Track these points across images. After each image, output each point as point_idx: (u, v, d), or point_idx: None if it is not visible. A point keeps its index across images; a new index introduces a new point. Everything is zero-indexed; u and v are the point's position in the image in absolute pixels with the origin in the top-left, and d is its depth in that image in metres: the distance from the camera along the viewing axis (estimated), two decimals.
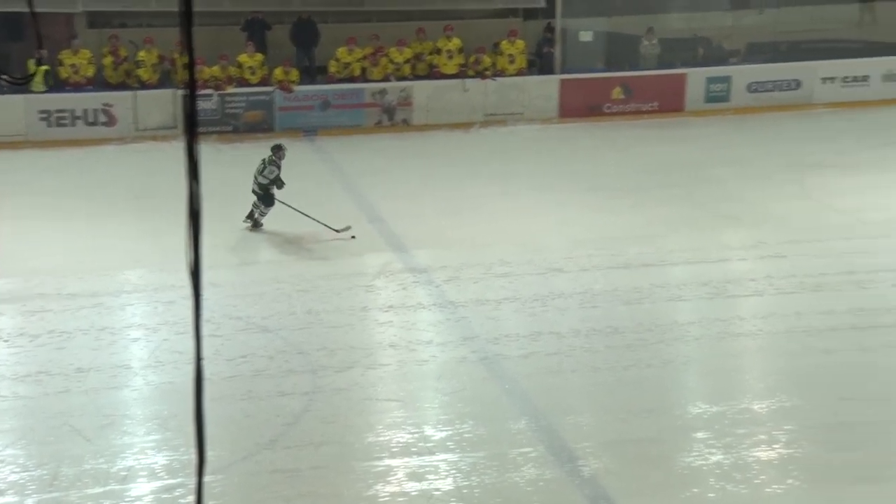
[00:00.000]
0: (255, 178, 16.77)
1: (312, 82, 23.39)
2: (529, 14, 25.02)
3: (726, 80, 23.88)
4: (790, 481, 10.38)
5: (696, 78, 23.84)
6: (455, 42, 23.71)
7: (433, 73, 23.63)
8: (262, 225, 16.92)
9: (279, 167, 16.71)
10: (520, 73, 23.82)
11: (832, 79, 23.95)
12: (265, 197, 16.76)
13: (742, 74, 23.97)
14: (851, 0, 26.42)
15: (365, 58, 23.35)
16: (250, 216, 16.95)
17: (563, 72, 24.08)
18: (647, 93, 23.71)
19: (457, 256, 15.88)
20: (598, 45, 25.04)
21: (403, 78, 23.39)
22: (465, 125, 23.20)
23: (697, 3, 25.85)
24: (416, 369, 12.63)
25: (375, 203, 18.33)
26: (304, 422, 11.41)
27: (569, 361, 12.73)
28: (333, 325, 13.64)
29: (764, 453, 10.88)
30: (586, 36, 24.82)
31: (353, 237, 16.46)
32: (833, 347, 12.98)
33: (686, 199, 18.35)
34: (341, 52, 23.32)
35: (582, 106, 23.51)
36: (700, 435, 11.17)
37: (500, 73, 23.63)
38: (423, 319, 13.92)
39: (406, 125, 23.16)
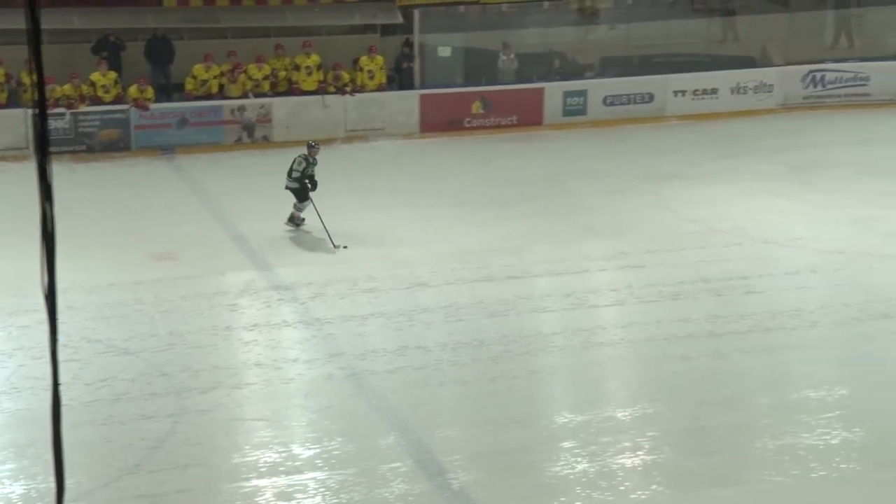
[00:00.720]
0: (289, 174, 17.31)
1: (169, 100, 22.98)
2: (387, 30, 25.07)
3: (583, 93, 24.31)
4: (654, 487, 10.58)
5: (554, 92, 24.20)
6: (314, 58, 23.59)
7: (293, 90, 23.47)
8: (303, 220, 17.43)
9: (309, 162, 17.28)
10: (380, 88, 23.84)
11: (683, 92, 24.59)
12: (300, 191, 17.25)
13: (598, 88, 24.43)
14: (701, 16, 27.18)
15: (223, 74, 23.06)
16: (291, 219, 17.45)
17: (422, 87, 24.19)
18: (507, 107, 23.98)
19: (322, 273, 15.78)
20: (457, 61, 25.23)
21: (262, 94, 23.17)
22: (326, 141, 23.07)
23: (551, 19, 26.26)
24: (283, 388, 12.49)
25: (237, 221, 18.09)
26: (169, 445, 11.17)
27: (436, 375, 12.76)
28: (197, 346, 13.40)
29: (628, 460, 11.07)
30: (445, 51, 24.99)
31: (344, 247, 16.75)
32: (691, 354, 13.30)
33: (547, 211, 18.59)
34: (198, 68, 22.98)
35: (442, 121, 23.65)
36: (566, 444, 11.31)
37: (360, 89, 23.61)
38: (289, 337, 13.79)
39: (266, 142, 22.94)
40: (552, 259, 16.44)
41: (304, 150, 17.53)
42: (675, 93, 24.62)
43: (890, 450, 11.27)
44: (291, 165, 17.40)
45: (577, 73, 25.52)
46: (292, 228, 17.43)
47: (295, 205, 17.43)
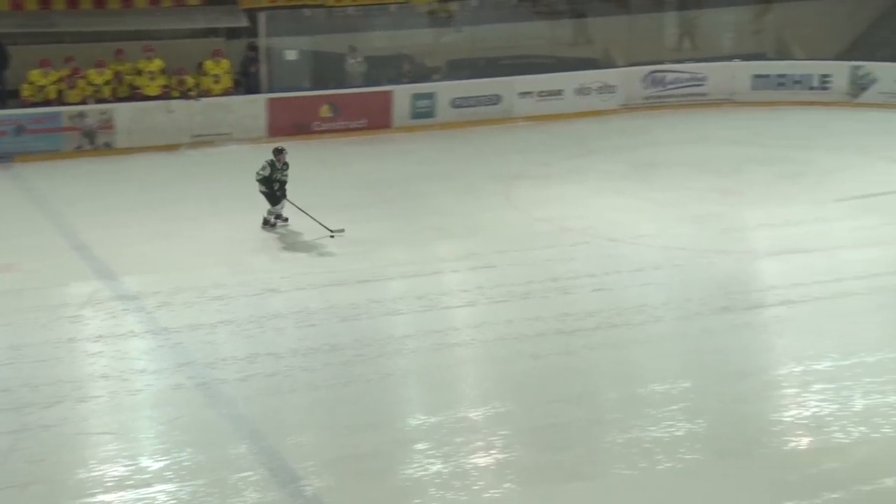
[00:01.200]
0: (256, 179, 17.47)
1: (4, 107, 22.25)
2: (232, 33, 24.77)
3: (431, 96, 24.45)
4: (507, 485, 10.70)
5: (402, 95, 24.28)
6: (157, 63, 23.16)
7: (135, 95, 22.98)
8: (275, 225, 17.58)
9: (276, 167, 17.37)
10: (226, 92, 23.53)
11: (529, 93, 24.96)
12: (269, 196, 17.37)
13: (446, 91, 24.61)
14: (544, 18, 27.61)
15: (61, 80, 22.44)
16: (265, 222, 17.60)
17: (269, 91, 23.98)
18: (355, 110, 23.96)
19: (168, 281, 15.49)
20: (304, 64, 25.10)
21: (103, 100, 22.62)
22: (172, 147, 22.70)
23: (399, 22, 26.34)
24: (130, 399, 12.22)
25: (80, 230, 17.62)
26: (10, 463, 10.82)
27: (288, 382, 12.65)
28: (39, 360, 13.00)
29: (482, 459, 11.17)
30: (291, 55, 24.82)
31: (338, 232, 17.11)
32: (541, 352, 13.50)
33: (398, 214, 18.63)
34: (34, 74, 22.32)
35: (290, 125, 23.47)
36: (420, 446, 11.34)
37: (206, 94, 23.26)
38: (136, 348, 13.49)
39: (109, 149, 22.40)
40: (403, 261, 16.48)
41: (270, 156, 17.53)
42: (522, 94, 24.97)
43: (731, 440, 11.63)
44: (259, 172, 17.47)
45: (425, 75, 25.65)
46: (270, 229, 17.61)
47: (268, 210, 17.55)
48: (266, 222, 17.61)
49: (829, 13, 28.39)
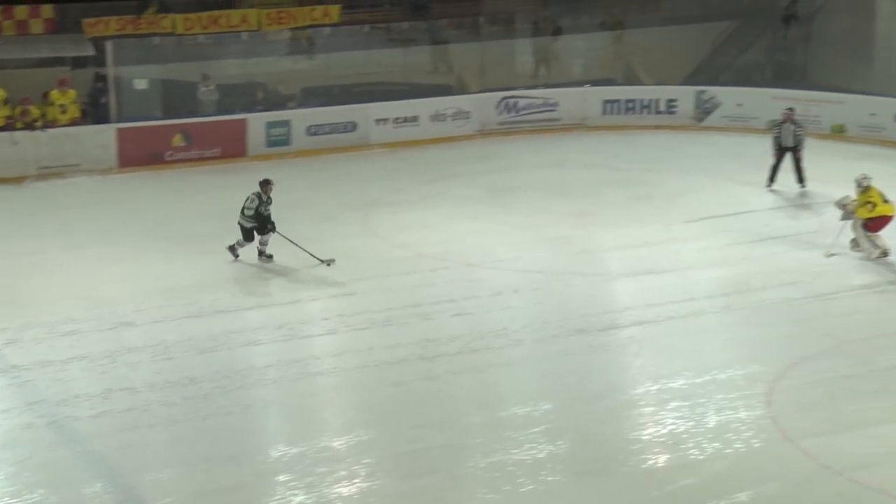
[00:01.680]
0: (242, 212, 17.08)
1: None
2: (78, 62, 24.23)
3: (286, 124, 24.32)
4: None
5: (257, 123, 24.09)
6: None
7: None
8: (270, 257, 17.24)
9: (262, 201, 17.05)
10: (73, 123, 22.98)
11: (385, 120, 25.04)
12: (258, 228, 17.06)
13: (301, 118, 24.50)
14: (397, 45, 27.78)
15: None
16: (260, 254, 17.29)
17: (119, 120, 23.50)
18: (209, 139, 23.66)
19: (17, 317, 15.01)
20: (155, 93, 24.69)
21: None
22: (17, 179, 22.05)
23: (251, 50, 26.16)
24: None
25: None
26: None
27: (145, 417, 12.38)
28: None
29: (345, 489, 11.11)
30: (141, 84, 24.39)
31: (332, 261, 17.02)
32: (403, 378, 13.51)
33: (253, 243, 18.42)
34: None
35: (142, 155, 23.05)
36: (282, 478, 11.22)
37: (52, 124, 22.68)
38: None
39: None
40: (261, 291, 16.32)
41: (257, 188, 17.24)
42: (378, 121, 25.04)
43: (591, 460, 11.83)
44: (244, 203, 17.12)
45: (279, 103, 25.51)
46: (267, 259, 17.32)
47: (260, 240, 17.25)
48: (261, 253, 17.30)
49: (674, 40, 29.28)
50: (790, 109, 21.44)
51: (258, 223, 17.10)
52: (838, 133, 24.93)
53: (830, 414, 12.55)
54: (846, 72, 28.18)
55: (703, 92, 26.43)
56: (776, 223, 19.33)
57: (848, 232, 17.49)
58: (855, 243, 17.44)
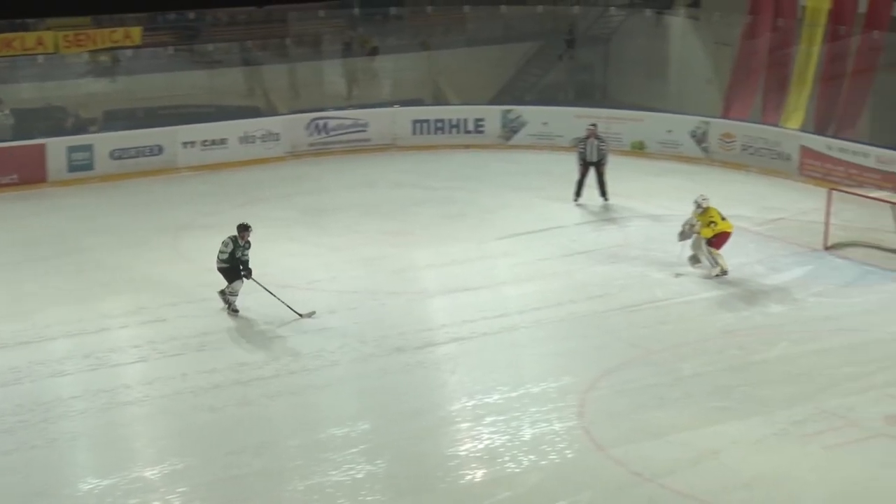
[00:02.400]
0: (218, 257, 16.00)
1: None
2: None
3: (88, 148, 23.64)
4: None
5: (57, 147, 23.34)
6: None
7: None
8: (236, 311, 16.07)
9: (238, 245, 15.99)
10: None
11: (193, 143, 24.64)
12: (230, 271, 15.95)
13: (104, 142, 23.86)
14: (203, 67, 27.41)
15: None
16: (227, 304, 16.12)
17: None
18: (5, 165, 22.81)
19: None
20: None
21: None
22: None
23: (48, 73, 25.36)
24: None
25: None
26: None
27: None
28: None
29: None
30: None
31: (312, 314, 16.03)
32: (218, 404, 13.32)
33: (58, 271, 17.87)
34: None
35: None
36: None
37: None
38: None
39: None
40: (67, 320, 15.81)
41: (234, 231, 16.16)
42: (185, 144, 24.62)
43: (410, 478, 11.91)
44: (219, 248, 16.07)
45: (80, 127, 24.80)
46: (232, 313, 16.07)
47: (226, 288, 16.08)
48: (228, 304, 16.14)
49: (480, 61, 29.82)
50: (593, 125, 22.11)
51: (231, 266, 15.99)
52: (638, 149, 25.83)
53: (638, 422, 12.97)
54: (644, 90, 29.28)
55: (509, 111, 26.99)
56: (583, 238, 19.87)
57: (687, 250, 18.09)
58: (695, 259, 18.04)
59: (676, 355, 14.86)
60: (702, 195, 18.04)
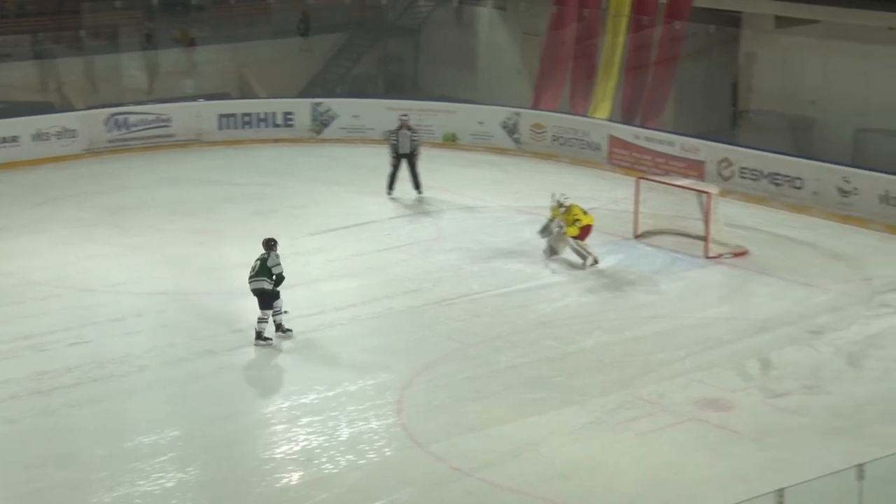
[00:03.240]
0: (258, 276, 15.02)
1: None
2: None
3: None
4: None
5: None
6: None
7: None
8: (269, 340, 15.06)
9: (264, 259, 15.14)
10: None
11: None
12: (266, 296, 14.95)
13: None
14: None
15: None
16: (258, 335, 15.04)
17: None
18: None
19: None
20: None
21: None
22: None
23: None
24: None
25: None
26: None
27: None
28: None
29: None
30: None
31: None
32: (17, 416, 12.87)
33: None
34: None
35: None
36: None
37: None
38: None
39: None
40: None
41: (264, 251, 15.29)
42: None
43: (224, 483, 11.71)
44: (256, 267, 15.21)
45: None
46: (265, 343, 15.05)
47: (259, 318, 15.05)
48: (259, 335, 15.08)
49: (287, 52, 29.58)
50: (405, 116, 22.19)
51: (270, 286, 15.08)
52: (451, 141, 26.08)
53: (457, 416, 13.10)
54: (455, 82, 29.60)
55: (319, 104, 26.85)
56: (397, 232, 19.95)
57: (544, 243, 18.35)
58: (551, 251, 18.25)
59: (493, 348, 15.06)
60: (562, 193, 18.18)
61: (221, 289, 17.17)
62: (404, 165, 21.85)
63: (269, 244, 15.33)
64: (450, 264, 18.29)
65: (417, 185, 21.88)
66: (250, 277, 15.16)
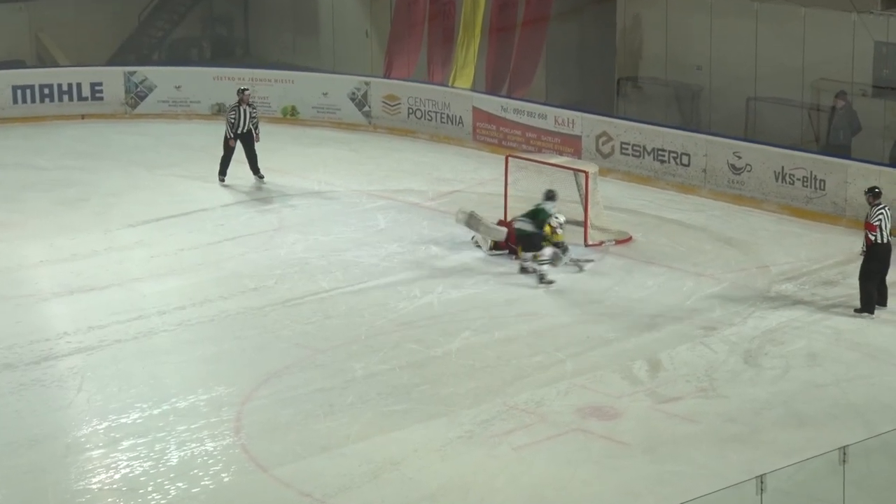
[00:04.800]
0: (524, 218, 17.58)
1: None
2: None
3: None
4: None
5: None
6: None
7: None
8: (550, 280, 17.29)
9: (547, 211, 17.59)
10: None
11: None
12: (532, 238, 17.46)
13: None
14: None
15: None
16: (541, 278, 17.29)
17: None
18: None
19: None
20: None
21: None
22: None
23: None
24: None
25: None
26: None
27: None
28: None
29: None
30: None
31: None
32: None
33: None
34: None
35: None
36: None
37: None
38: None
39: None
40: None
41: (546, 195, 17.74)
42: None
43: None
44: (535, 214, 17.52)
45: None
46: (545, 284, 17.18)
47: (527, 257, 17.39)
48: (542, 278, 17.34)
49: (94, 13, 29.06)
50: (247, 90, 21.84)
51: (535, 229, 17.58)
52: (290, 116, 26.00)
53: (306, 434, 13.09)
54: (292, 46, 29.51)
55: (133, 73, 26.48)
56: (232, 222, 19.86)
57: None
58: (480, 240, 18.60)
59: (347, 353, 15.09)
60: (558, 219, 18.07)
61: (22, 292, 16.92)
62: (241, 147, 21.56)
63: (550, 195, 17.70)
64: (294, 258, 18.26)
65: (257, 169, 21.70)
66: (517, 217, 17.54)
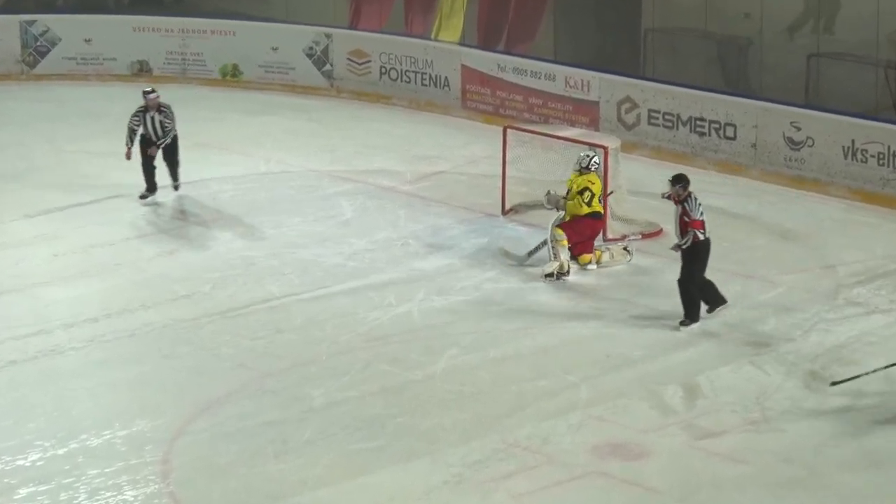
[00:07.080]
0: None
1: None
2: None
3: None
4: None
5: None
6: None
7: None
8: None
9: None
10: None
11: None
12: None
13: None
14: None
15: None
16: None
17: None
18: None
19: None
20: None
21: None
22: None
23: None
24: None
25: None
26: None
27: None
28: None
29: None
30: None
31: None
32: None
33: None
34: None
35: None
36: None
37: None
38: None
39: None
40: None
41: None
42: None
43: None
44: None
45: None
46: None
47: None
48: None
49: None
50: (152, 92, 20.60)
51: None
52: (231, 77, 26.06)
53: (252, 479, 13.11)
54: None
55: (31, 23, 26.51)
56: (157, 211, 20.04)
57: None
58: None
59: (303, 377, 15.14)
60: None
61: None
62: (159, 156, 20.40)
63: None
64: (236, 257, 18.35)
65: (176, 178, 20.80)
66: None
